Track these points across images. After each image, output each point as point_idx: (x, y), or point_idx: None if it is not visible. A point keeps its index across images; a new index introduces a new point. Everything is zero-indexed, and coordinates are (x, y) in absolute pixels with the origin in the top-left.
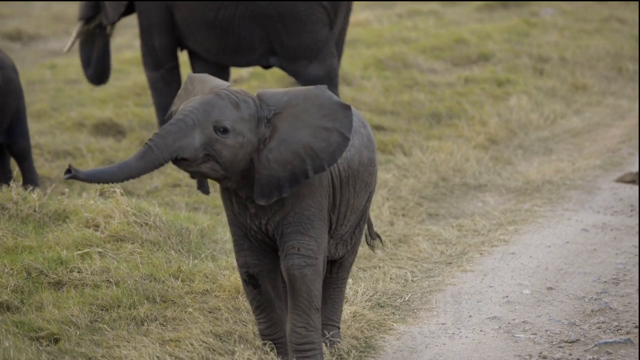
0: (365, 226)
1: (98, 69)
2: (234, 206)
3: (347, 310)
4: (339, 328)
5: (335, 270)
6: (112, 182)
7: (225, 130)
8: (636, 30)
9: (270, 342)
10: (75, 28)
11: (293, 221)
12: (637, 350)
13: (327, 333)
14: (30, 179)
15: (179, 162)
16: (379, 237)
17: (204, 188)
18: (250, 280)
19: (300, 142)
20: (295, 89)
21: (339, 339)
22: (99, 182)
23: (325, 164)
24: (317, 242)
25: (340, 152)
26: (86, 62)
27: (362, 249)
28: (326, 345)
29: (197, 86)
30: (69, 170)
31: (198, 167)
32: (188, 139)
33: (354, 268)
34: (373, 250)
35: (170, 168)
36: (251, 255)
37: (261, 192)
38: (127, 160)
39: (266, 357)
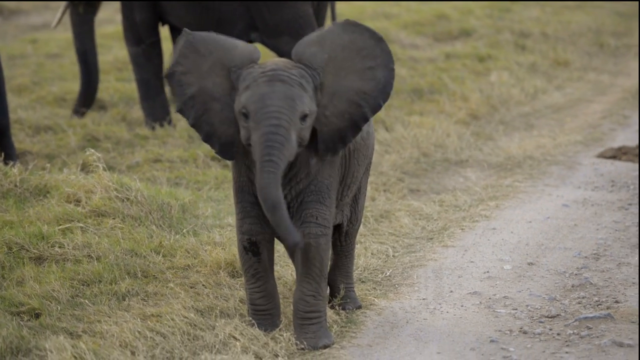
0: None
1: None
2: (253, 173)
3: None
4: (354, 290)
5: (344, 239)
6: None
7: (305, 117)
8: (617, 6)
9: (260, 312)
10: (62, 6)
11: (315, 189)
12: (618, 325)
13: (345, 294)
14: (8, 154)
15: None
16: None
17: (229, 154)
18: (251, 248)
19: (350, 89)
20: (331, 40)
21: (356, 298)
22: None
23: (381, 101)
24: (330, 212)
25: (391, 85)
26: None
27: None
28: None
29: (216, 51)
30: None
31: None
32: (292, 141)
33: None
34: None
35: (151, 143)
36: (256, 223)
37: (326, 148)
38: (264, 191)
39: (247, 332)
